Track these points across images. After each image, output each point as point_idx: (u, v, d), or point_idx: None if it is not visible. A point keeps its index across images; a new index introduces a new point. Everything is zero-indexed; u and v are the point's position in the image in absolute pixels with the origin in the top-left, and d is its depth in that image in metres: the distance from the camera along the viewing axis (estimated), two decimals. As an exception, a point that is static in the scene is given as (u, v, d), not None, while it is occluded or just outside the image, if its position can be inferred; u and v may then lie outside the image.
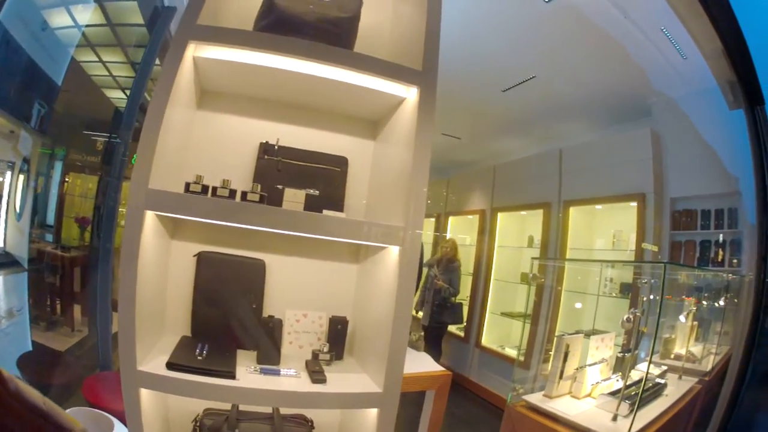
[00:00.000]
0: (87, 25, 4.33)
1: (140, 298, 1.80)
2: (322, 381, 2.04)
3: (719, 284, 5.40)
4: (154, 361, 1.91)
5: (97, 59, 4.61)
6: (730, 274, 5.35)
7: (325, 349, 2.28)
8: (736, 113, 4.83)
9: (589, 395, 3.10)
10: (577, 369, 3.19)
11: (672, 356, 4.33)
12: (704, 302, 5.05)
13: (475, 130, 8.06)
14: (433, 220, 9.69)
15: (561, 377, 3.07)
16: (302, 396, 1.97)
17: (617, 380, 3.39)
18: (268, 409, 2.24)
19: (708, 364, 4.42)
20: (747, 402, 8.25)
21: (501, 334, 7.40)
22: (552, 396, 3.08)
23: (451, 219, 9.45)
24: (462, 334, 8.07)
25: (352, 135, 2.59)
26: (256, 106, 2.45)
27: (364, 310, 2.41)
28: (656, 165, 5.83)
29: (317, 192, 2.30)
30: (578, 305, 5.97)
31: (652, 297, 4.17)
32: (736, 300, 5.11)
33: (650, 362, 3.19)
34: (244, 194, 1.95)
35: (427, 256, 7.73)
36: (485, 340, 7.55)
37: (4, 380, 0.89)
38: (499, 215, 7.99)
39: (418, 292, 7.33)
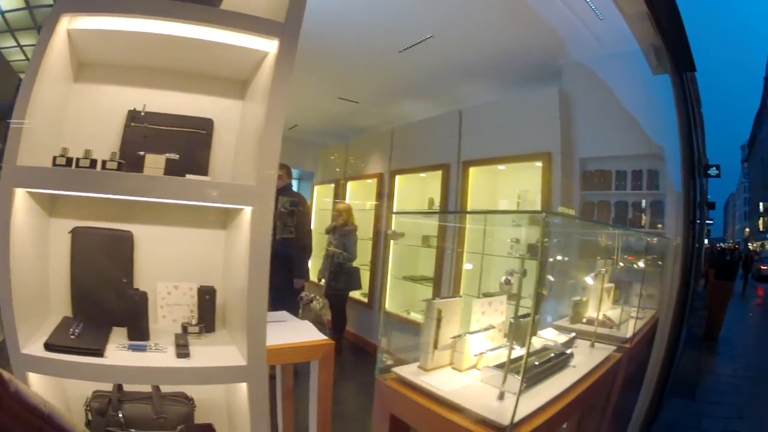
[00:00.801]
0: (7, 11, 4.16)
1: (17, 278, 1.80)
2: (186, 355, 2.04)
3: (639, 246, 5.29)
4: (37, 343, 1.91)
5: (15, 44, 4.32)
6: (654, 237, 5.37)
7: (194, 322, 2.29)
8: (661, 78, 4.85)
9: (474, 367, 2.66)
10: (454, 338, 2.73)
11: (584, 321, 3.88)
12: (622, 264, 4.86)
13: (374, 93, 7.75)
14: (332, 186, 9.63)
15: (435, 347, 2.67)
16: (165, 372, 1.98)
17: (516, 349, 2.89)
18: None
19: (628, 329, 4.06)
20: (686, 366, 8.35)
21: (405, 299, 7.15)
22: (428, 368, 2.64)
23: (350, 184, 9.27)
24: (366, 300, 7.93)
25: (220, 96, 2.57)
26: (127, 74, 2.44)
27: (230, 278, 2.40)
28: (564, 125, 5.67)
29: (177, 156, 2.23)
30: (468, 266, 5.85)
31: (560, 257, 4.09)
32: (660, 263, 5.07)
33: (531, 328, 2.60)
34: (104, 163, 1.98)
35: (328, 224, 7.72)
36: (389, 306, 7.08)
37: (4, 382, 0.82)
38: (398, 178, 7.82)
39: (321, 261, 7.39)
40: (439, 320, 2.65)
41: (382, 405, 2.62)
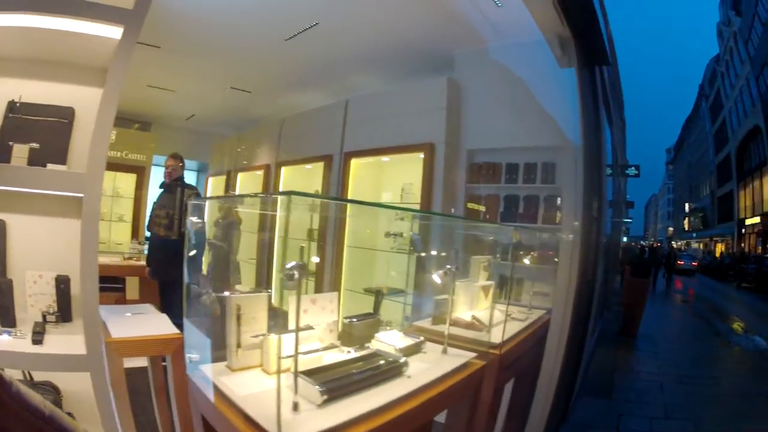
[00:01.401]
0: None
1: None
2: (39, 342, 2.18)
3: (531, 242, 5.03)
4: None
5: None
6: (549, 234, 5.14)
7: (52, 311, 2.40)
8: (566, 71, 4.53)
9: (288, 370, 2.14)
10: (256, 336, 2.38)
11: (448, 323, 3.29)
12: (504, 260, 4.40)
13: (265, 82, 7.53)
14: (223, 177, 9.57)
15: (239, 345, 2.35)
16: (13, 356, 2.08)
17: (346, 353, 2.66)
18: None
19: (503, 332, 3.54)
20: (601, 363, 7.89)
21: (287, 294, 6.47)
22: (233, 368, 2.35)
23: (240, 176, 9.20)
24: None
25: (83, 84, 2.56)
26: (7, 66, 2.49)
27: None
28: (452, 115, 5.46)
29: (38, 146, 2.32)
30: (315, 259, 5.71)
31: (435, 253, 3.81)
32: (556, 260, 4.69)
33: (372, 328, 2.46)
34: (-19, 154, 2.12)
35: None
36: (275, 301, 6.60)
37: (4, 383, 0.84)
38: (283, 170, 7.71)
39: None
40: (238, 317, 2.36)
41: (195, 405, 2.41)
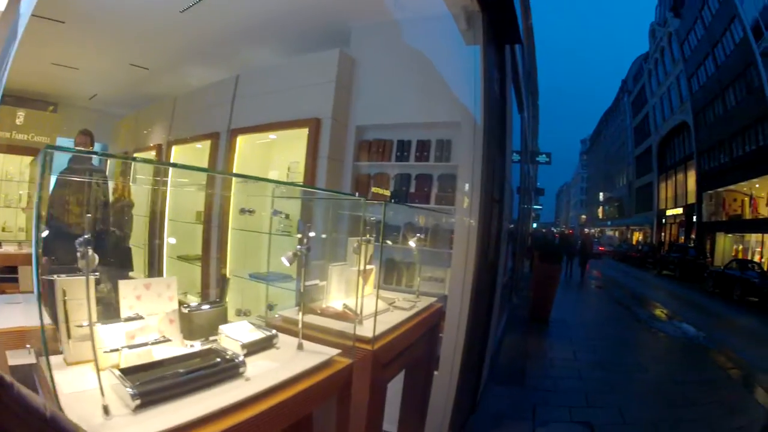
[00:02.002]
0: None
1: None
2: None
3: (423, 224, 4.82)
4: None
5: None
6: (443, 216, 4.79)
7: None
8: (471, 48, 4.30)
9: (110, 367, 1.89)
10: (79, 326, 2.01)
11: (319, 312, 3.07)
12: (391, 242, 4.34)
13: (161, 58, 6.94)
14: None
15: (69, 336, 2.01)
16: None
17: (188, 347, 2.30)
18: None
19: (374, 324, 2.96)
20: (510, 351, 7.57)
21: (183, 280, 6.28)
22: (68, 362, 2.01)
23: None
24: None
25: None
26: None
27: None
28: (342, 89, 5.13)
29: None
30: (172, 240, 5.67)
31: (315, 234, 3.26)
32: (452, 248, 4.40)
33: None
34: None
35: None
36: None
37: (5, 385, 0.85)
38: (174, 149, 7.19)
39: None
40: (64, 303, 2.02)
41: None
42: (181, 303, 2.31)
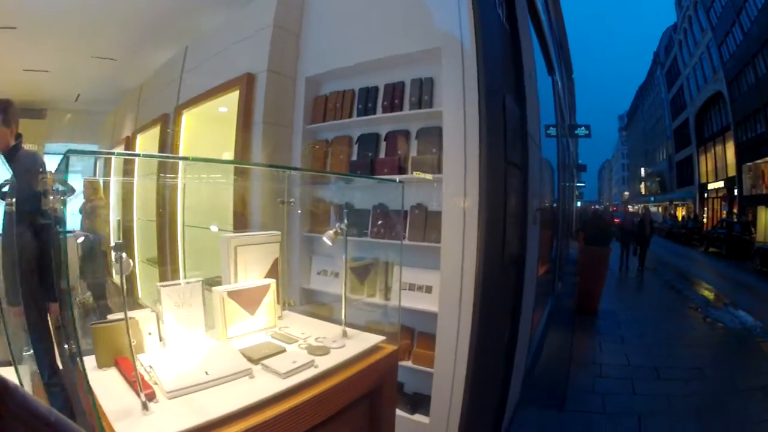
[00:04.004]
0: None
1: None
2: None
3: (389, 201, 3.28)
4: None
5: None
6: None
7: None
8: None
9: None
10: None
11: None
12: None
13: (121, 46, 5.94)
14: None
15: None
16: None
17: None
18: None
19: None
20: (552, 356, 5.98)
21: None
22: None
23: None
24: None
25: None
26: None
27: None
28: (284, 37, 3.70)
29: None
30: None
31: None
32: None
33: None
34: None
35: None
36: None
37: (9, 390, 0.77)
38: (139, 139, 6.26)
39: None
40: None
41: None
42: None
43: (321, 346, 2.02)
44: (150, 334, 1.88)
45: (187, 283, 2.00)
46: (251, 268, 2.29)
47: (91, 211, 5.21)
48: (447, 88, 2.79)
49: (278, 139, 3.55)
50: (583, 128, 15.04)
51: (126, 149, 6.32)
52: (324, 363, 1.88)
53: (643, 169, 59.30)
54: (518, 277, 3.54)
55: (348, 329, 2.24)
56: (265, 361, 1.82)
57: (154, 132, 5.65)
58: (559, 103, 9.48)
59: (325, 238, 2.20)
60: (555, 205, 8.67)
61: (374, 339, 2.17)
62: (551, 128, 7.83)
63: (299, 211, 3.38)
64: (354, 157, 3.37)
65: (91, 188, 5.33)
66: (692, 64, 36.77)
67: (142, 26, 5.32)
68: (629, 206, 49.93)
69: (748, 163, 27.63)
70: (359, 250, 3.16)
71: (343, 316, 2.23)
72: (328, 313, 2.55)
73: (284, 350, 1.96)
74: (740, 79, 28.25)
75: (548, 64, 7.63)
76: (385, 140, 3.27)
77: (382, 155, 3.25)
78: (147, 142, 5.98)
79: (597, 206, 52.71)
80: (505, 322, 3.33)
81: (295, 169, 3.31)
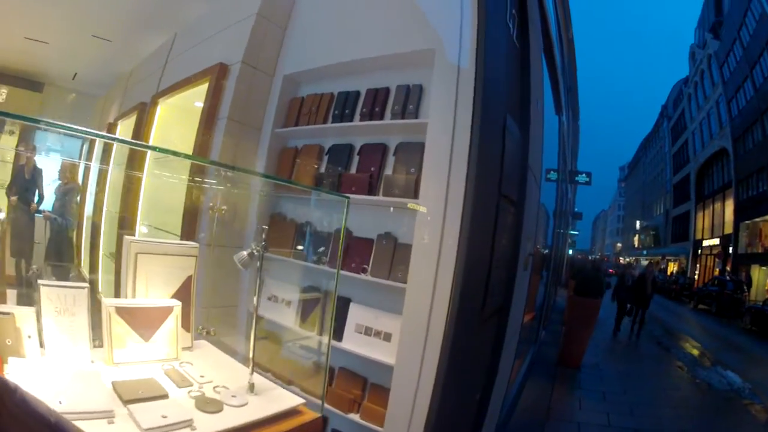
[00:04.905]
0: None
1: None
2: None
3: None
4: None
5: None
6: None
7: None
8: None
9: None
10: None
11: None
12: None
13: (119, 28, 5.31)
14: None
15: None
16: None
17: None
18: None
19: None
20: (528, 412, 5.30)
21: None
22: None
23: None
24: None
25: None
26: None
27: None
28: (267, 28, 3.26)
29: None
30: None
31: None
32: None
33: None
34: None
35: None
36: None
37: (9, 389, 0.77)
38: (119, 126, 5.53)
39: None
40: None
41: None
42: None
43: (215, 401, 1.54)
44: (30, 337, 1.56)
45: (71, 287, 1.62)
46: (154, 283, 1.83)
47: (64, 194, 5.13)
48: (436, 96, 2.28)
49: (242, 139, 3.08)
50: (584, 175, 14.55)
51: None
52: (207, 425, 1.42)
53: (638, 222, 58.76)
54: (499, 330, 2.98)
55: (262, 380, 1.75)
56: (132, 406, 1.41)
57: (132, 120, 5.04)
58: (563, 145, 8.98)
59: (236, 261, 1.76)
60: (547, 251, 8.10)
61: (291, 400, 1.67)
62: (552, 172, 7.31)
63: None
64: (322, 170, 2.85)
65: (66, 171, 5.20)
66: (699, 118, 36.37)
67: (138, 7, 4.79)
68: (620, 258, 49.04)
69: (747, 221, 27.16)
70: (314, 278, 2.65)
71: (250, 366, 1.71)
72: (262, 349, 2.04)
73: (166, 396, 1.51)
74: (746, 136, 27.81)
75: (557, 103, 7.15)
76: (358, 154, 2.76)
77: (354, 171, 2.74)
78: (125, 130, 5.28)
79: (590, 256, 51.43)
80: (476, 382, 2.77)
81: (220, 165, 2.79)
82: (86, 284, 1.65)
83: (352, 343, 2.46)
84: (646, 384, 7.27)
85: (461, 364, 2.19)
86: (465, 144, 2.04)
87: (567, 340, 7.80)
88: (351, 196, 2.55)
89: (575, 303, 7.99)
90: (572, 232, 25.55)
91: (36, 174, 4.11)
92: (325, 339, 2.44)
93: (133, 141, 3.80)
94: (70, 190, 4.82)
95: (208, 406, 1.49)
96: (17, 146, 4.63)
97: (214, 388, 1.62)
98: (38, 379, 1.40)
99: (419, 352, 2.09)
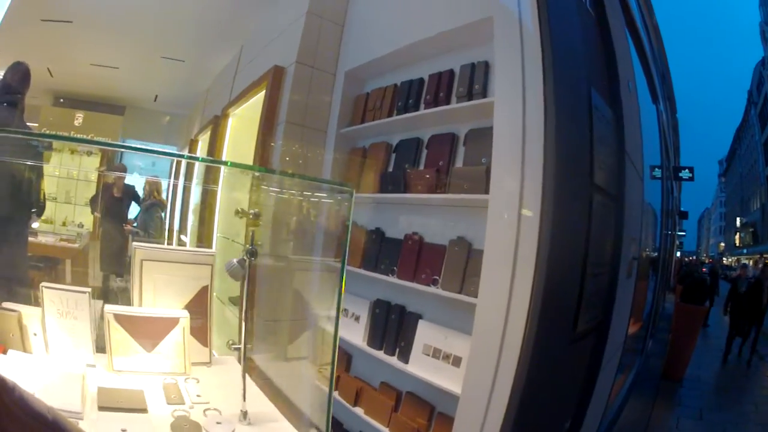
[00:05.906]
0: None
1: None
2: None
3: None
4: None
5: None
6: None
7: None
8: None
9: None
10: None
11: None
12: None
13: (189, 47, 5.54)
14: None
15: None
16: None
17: None
18: None
19: None
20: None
21: None
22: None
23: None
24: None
25: None
26: None
27: None
28: (322, 26, 3.07)
29: None
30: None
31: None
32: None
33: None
34: None
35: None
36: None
37: (7, 388, 0.71)
38: (200, 142, 5.74)
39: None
40: None
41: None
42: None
43: (195, 424, 1.37)
44: (35, 334, 1.61)
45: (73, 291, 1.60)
46: (164, 292, 1.70)
47: (148, 209, 4.99)
48: (500, 68, 1.90)
49: (305, 143, 2.93)
50: (687, 170, 13.35)
51: (189, 152, 5.73)
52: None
53: (738, 219, 53.51)
54: (596, 349, 2.48)
55: (268, 410, 1.55)
56: (103, 413, 1.36)
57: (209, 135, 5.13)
58: (664, 137, 8.12)
59: (227, 271, 1.58)
60: (656, 254, 7.31)
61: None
62: (656, 169, 6.56)
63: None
64: (390, 168, 2.55)
65: (150, 188, 5.21)
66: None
67: (202, 25, 4.93)
68: (724, 258, 44.75)
69: None
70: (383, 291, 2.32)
71: (242, 391, 1.46)
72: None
73: (144, 410, 1.40)
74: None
75: (651, 90, 6.49)
76: (426, 148, 2.42)
77: (422, 167, 2.39)
78: (203, 145, 5.38)
79: (696, 257, 47.38)
80: (565, 410, 2.30)
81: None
82: (88, 289, 1.59)
83: (418, 366, 2.11)
84: (743, 400, 6.25)
85: (542, 393, 1.76)
86: (539, 123, 1.63)
87: (672, 348, 7.07)
88: (418, 195, 2.23)
89: (681, 310, 7.32)
90: (679, 233, 23.61)
91: (125, 192, 4.22)
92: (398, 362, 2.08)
93: (191, 155, 3.82)
94: (152, 205, 4.98)
95: (185, 429, 1.34)
96: (99, 167, 4.65)
97: (204, 410, 1.46)
98: (25, 374, 1.40)
99: (488, 382, 1.69)
